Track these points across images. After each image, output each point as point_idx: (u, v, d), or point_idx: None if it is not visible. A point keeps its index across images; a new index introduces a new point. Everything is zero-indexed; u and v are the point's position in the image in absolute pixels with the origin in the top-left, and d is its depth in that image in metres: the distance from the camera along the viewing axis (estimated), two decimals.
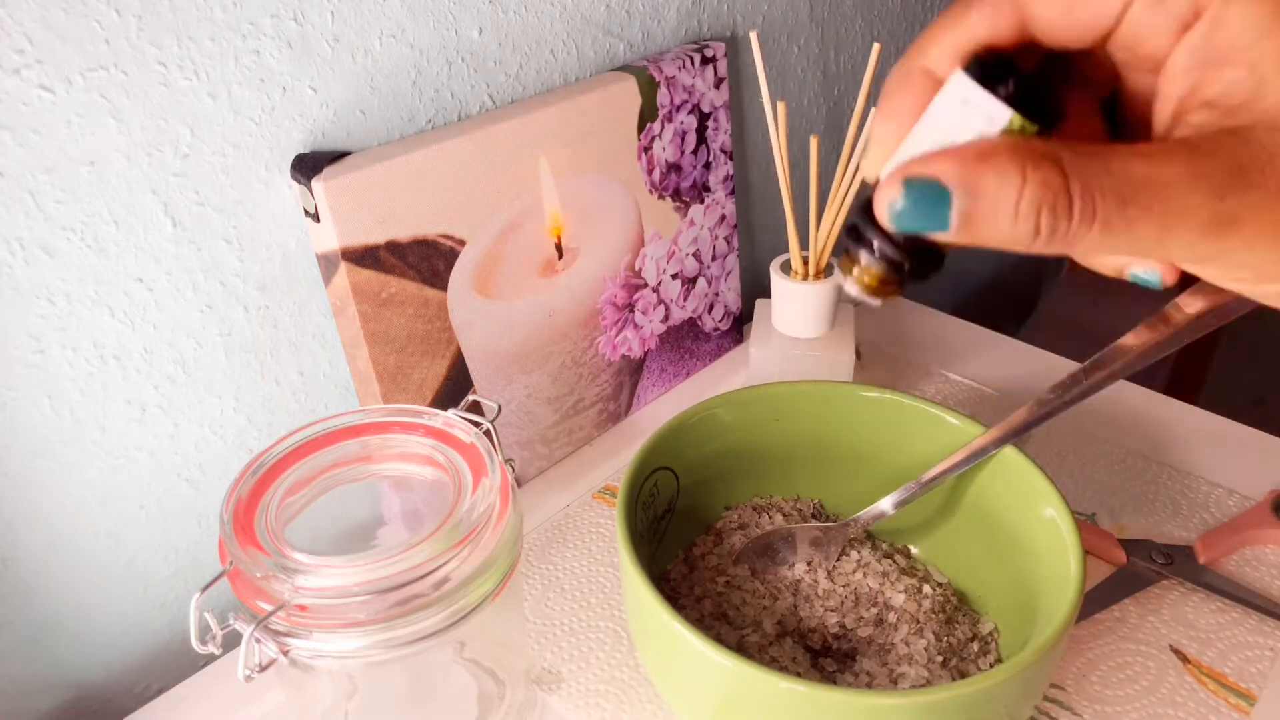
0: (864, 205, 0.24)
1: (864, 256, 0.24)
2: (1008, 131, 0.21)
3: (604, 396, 0.64)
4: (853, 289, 0.25)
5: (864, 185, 0.25)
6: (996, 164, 0.20)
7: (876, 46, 0.54)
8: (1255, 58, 0.20)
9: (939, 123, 0.22)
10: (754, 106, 0.72)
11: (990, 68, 0.22)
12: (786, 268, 0.60)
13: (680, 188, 0.64)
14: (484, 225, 0.53)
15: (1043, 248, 0.21)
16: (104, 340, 0.44)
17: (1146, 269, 0.23)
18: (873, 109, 0.25)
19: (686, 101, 0.62)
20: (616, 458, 0.63)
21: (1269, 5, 0.19)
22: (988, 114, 0.21)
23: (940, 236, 0.21)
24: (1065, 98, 0.23)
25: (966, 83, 0.22)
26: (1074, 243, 0.20)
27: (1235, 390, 1.30)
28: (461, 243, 0.52)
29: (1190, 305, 0.32)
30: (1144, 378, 0.50)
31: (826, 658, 0.45)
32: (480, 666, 0.44)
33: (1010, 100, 0.21)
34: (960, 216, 0.21)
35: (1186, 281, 0.25)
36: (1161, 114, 0.22)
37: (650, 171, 0.62)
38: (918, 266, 0.24)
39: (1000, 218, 0.20)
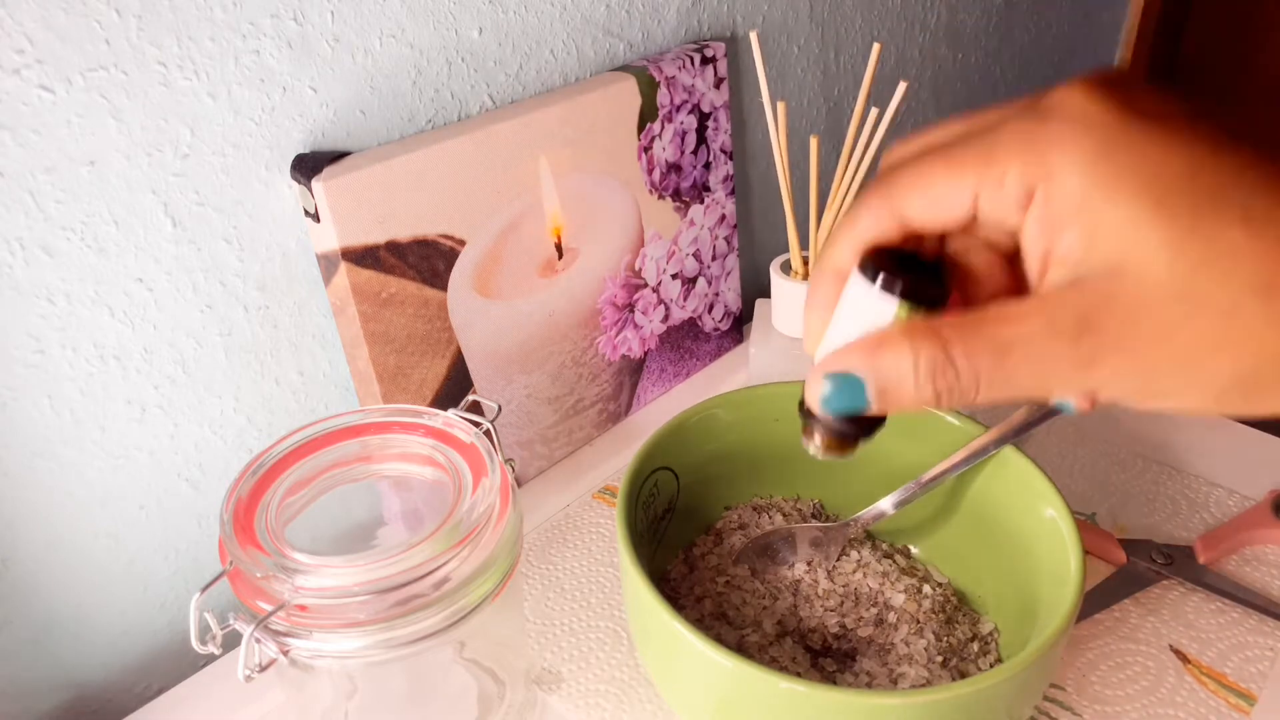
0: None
1: (817, 430, 0.30)
2: (899, 316, 0.26)
3: (604, 396, 0.64)
4: (815, 453, 0.31)
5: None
6: (891, 349, 0.25)
7: (876, 47, 0.54)
8: (1083, 220, 0.23)
9: (849, 312, 0.27)
10: (754, 106, 0.72)
11: (883, 264, 0.26)
12: (786, 267, 0.60)
13: (680, 188, 0.64)
14: (484, 225, 0.53)
15: (950, 404, 0.25)
16: (104, 340, 0.44)
17: (1061, 399, 0.26)
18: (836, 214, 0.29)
19: (686, 101, 0.62)
20: (616, 458, 0.63)
21: (1080, 177, 0.22)
22: (881, 305, 0.26)
23: (866, 411, 0.26)
24: (961, 268, 0.27)
25: (860, 281, 0.26)
26: (970, 400, 0.24)
27: None
28: (461, 243, 0.52)
29: None
30: None
31: (826, 658, 0.45)
32: (480, 666, 0.44)
33: (901, 291, 0.26)
34: (874, 396, 0.26)
35: None
36: (1031, 272, 0.25)
37: (650, 171, 0.62)
38: (862, 431, 0.29)
39: (905, 391, 0.25)
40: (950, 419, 0.47)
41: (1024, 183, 0.23)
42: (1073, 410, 0.26)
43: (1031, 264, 0.25)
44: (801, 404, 0.30)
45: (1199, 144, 0.22)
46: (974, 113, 0.26)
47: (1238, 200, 0.21)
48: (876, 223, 0.26)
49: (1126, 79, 0.23)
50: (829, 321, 0.28)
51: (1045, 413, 0.42)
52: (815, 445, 0.30)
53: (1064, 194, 0.23)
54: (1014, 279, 0.27)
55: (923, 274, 0.26)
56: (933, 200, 0.25)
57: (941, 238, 0.27)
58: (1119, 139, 0.22)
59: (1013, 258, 0.27)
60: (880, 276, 0.26)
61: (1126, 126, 0.22)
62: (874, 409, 0.26)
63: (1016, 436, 0.43)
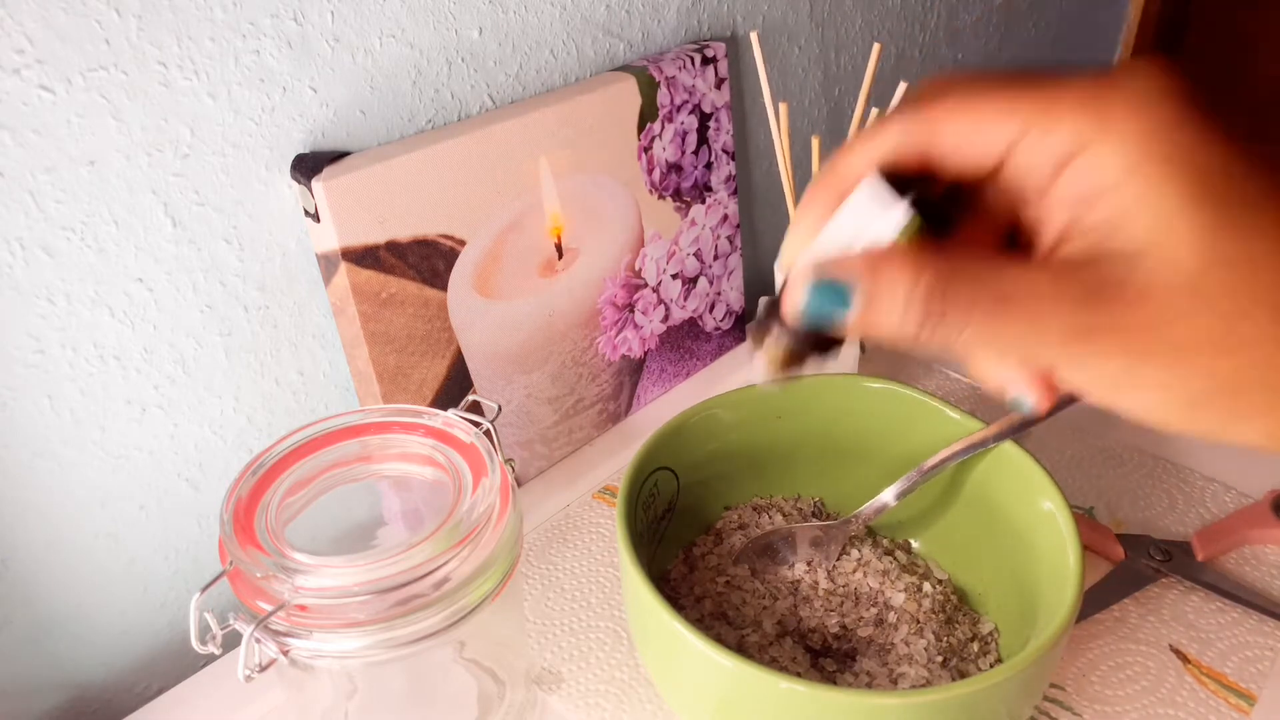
0: (771, 304, 0.28)
1: (772, 341, 0.28)
2: (905, 231, 0.25)
3: (604, 396, 0.64)
4: (762, 366, 0.29)
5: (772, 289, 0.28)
6: (892, 263, 0.24)
7: (877, 47, 0.54)
8: (1120, 194, 0.22)
9: (850, 219, 0.26)
10: (756, 106, 0.72)
11: (896, 178, 0.25)
12: None
13: (681, 188, 0.64)
14: (484, 225, 0.53)
15: (929, 339, 0.24)
16: (104, 340, 0.44)
17: (1021, 391, 0.26)
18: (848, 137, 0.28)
19: (687, 101, 0.62)
20: (616, 458, 0.63)
21: (1133, 147, 0.22)
22: (891, 213, 0.25)
23: (838, 328, 0.25)
24: (958, 218, 0.26)
25: (877, 183, 0.25)
26: (950, 341, 0.24)
27: None
28: (461, 243, 0.52)
29: None
30: None
31: (826, 658, 0.45)
32: (480, 666, 0.44)
33: (914, 201, 0.24)
34: (860, 306, 0.24)
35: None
36: (1045, 242, 0.25)
37: (650, 171, 0.62)
38: (817, 351, 0.28)
39: (893, 310, 0.24)
40: (950, 413, 0.47)
41: (1074, 139, 0.23)
42: (1029, 408, 0.26)
43: (1048, 230, 0.24)
44: (762, 312, 0.29)
45: (1254, 155, 0.22)
46: (1031, 68, 0.25)
47: (1276, 216, 0.21)
48: (903, 141, 0.25)
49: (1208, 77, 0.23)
50: (819, 229, 0.27)
51: (1046, 414, 0.42)
52: (765, 357, 0.29)
53: (1110, 162, 0.22)
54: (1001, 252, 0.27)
55: (933, 199, 0.25)
56: (974, 131, 0.24)
57: (947, 187, 0.27)
58: (1180, 124, 0.22)
59: (1006, 235, 0.26)
60: (896, 182, 0.25)
61: (1191, 115, 0.22)
62: (852, 321, 0.25)
63: (1016, 434, 0.43)
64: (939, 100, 0.25)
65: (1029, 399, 0.26)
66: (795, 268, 0.27)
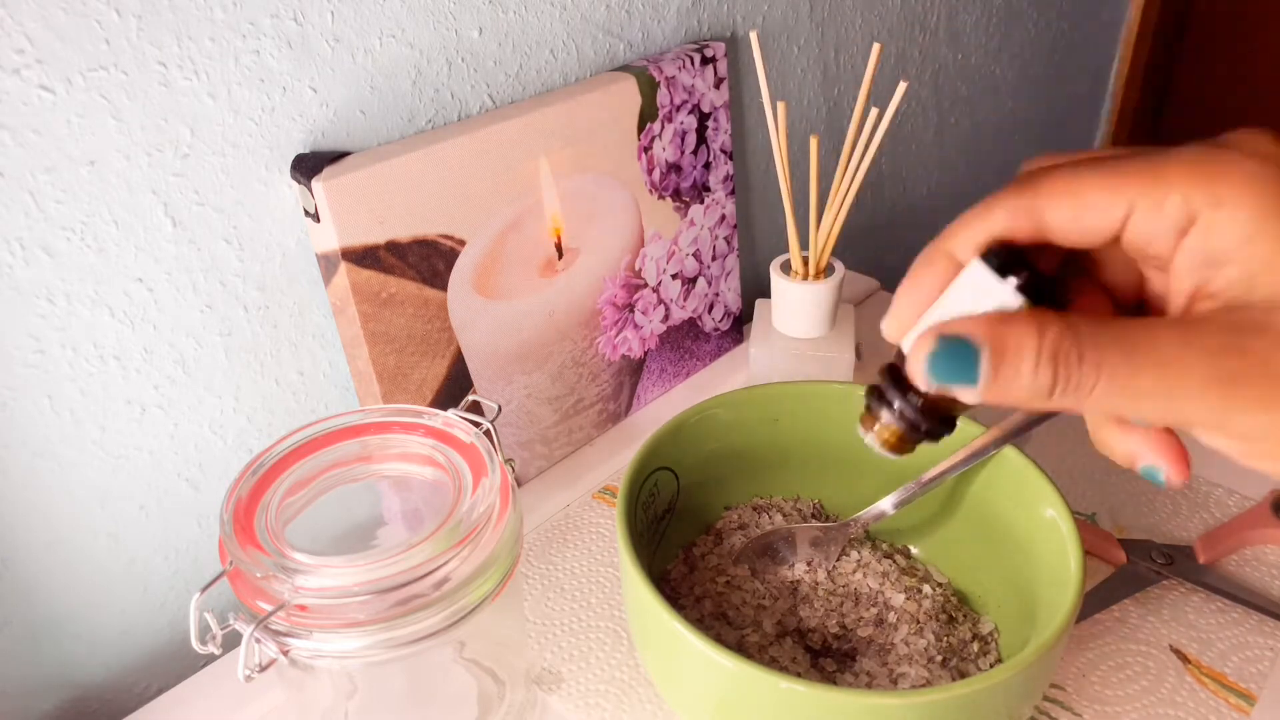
0: (887, 369, 0.28)
1: (885, 416, 0.28)
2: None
3: (604, 396, 0.64)
4: (873, 444, 0.28)
5: (887, 354, 0.29)
6: (1017, 325, 0.23)
7: (877, 47, 0.54)
8: (1244, 258, 0.22)
9: (957, 301, 0.25)
10: (754, 106, 0.72)
11: (1005, 259, 0.24)
12: (786, 268, 0.60)
13: (680, 188, 0.64)
14: (484, 225, 0.53)
15: (1059, 401, 0.23)
16: (104, 340, 0.44)
17: (1153, 463, 0.25)
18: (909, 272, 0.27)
19: (686, 101, 0.62)
20: (616, 458, 0.63)
21: (1252, 210, 0.22)
22: (1000, 299, 0.24)
23: (966, 393, 0.24)
24: (1077, 294, 0.26)
25: (983, 270, 0.25)
26: (1086, 394, 0.23)
27: None
28: (461, 243, 0.52)
29: None
30: None
31: (826, 658, 0.45)
32: (480, 666, 0.44)
33: (1020, 288, 0.24)
34: (988, 370, 0.24)
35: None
36: (1175, 306, 0.24)
37: (650, 171, 0.62)
38: (933, 427, 0.27)
39: (1022, 371, 0.23)
40: None
41: (1188, 208, 0.22)
42: (1163, 482, 0.25)
43: (1176, 296, 0.24)
44: (873, 387, 0.28)
45: None
46: (1131, 148, 0.25)
47: None
48: (1011, 221, 0.25)
49: None
50: (925, 308, 0.26)
51: (1045, 413, 0.42)
52: (875, 435, 0.28)
53: (1231, 226, 0.22)
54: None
55: (1042, 279, 0.25)
56: (1082, 210, 0.24)
57: (1061, 260, 0.26)
58: None
59: (1127, 304, 0.26)
60: (1010, 270, 0.24)
61: None
62: (980, 388, 0.24)
63: (1016, 437, 0.43)
64: (1042, 184, 0.24)
65: (1162, 468, 0.25)
66: (909, 337, 0.26)
